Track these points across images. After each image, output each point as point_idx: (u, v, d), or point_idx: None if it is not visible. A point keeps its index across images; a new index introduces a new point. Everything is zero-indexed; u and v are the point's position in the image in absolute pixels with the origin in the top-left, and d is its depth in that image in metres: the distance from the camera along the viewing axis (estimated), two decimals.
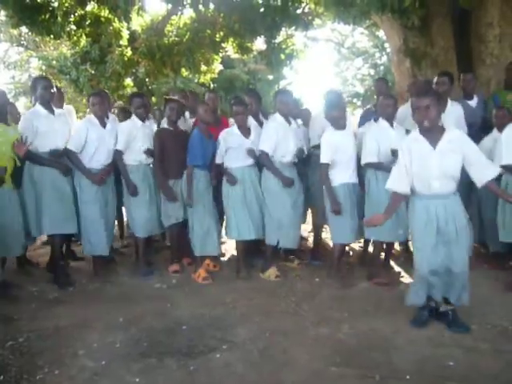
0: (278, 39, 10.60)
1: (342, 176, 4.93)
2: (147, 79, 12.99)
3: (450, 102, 5.35)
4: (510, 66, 5.91)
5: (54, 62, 13.99)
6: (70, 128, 5.30)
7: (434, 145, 3.62)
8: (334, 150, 4.87)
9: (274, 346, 3.62)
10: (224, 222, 5.67)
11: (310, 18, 9.97)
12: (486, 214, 5.31)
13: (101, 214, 5.21)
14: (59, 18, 8.20)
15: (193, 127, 5.59)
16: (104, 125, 5.30)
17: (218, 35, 10.35)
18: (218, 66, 11.83)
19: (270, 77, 20.24)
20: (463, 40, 7.39)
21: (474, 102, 5.81)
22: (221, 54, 11.45)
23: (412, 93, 5.87)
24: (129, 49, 10.39)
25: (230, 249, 6.27)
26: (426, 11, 6.93)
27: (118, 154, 5.28)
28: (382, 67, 22.47)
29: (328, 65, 56.63)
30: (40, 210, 4.96)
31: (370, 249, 5.61)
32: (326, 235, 6.45)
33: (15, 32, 18.48)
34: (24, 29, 12.74)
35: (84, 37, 9.76)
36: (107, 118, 5.51)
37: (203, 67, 11.18)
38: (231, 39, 10.48)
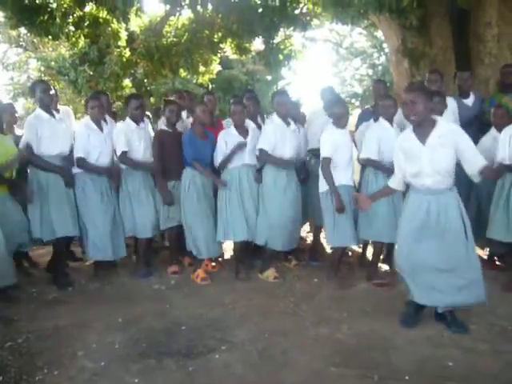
0: (277, 40, 10.58)
1: (341, 177, 4.91)
2: (146, 80, 12.96)
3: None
4: (504, 68, 5.89)
5: (53, 63, 13.97)
6: (72, 131, 5.31)
7: (424, 140, 3.63)
8: (335, 148, 4.86)
9: (274, 347, 3.62)
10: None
11: (308, 18, 9.96)
12: (486, 214, 5.31)
13: (104, 219, 5.19)
14: (58, 19, 8.19)
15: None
16: (101, 128, 5.31)
17: (216, 36, 10.35)
18: (216, 67, 11.82)
19: (269, 77, 20.24)
20: (462, 40, 7.40)
21: (469, 101, 5.81)
22: (219, 55, 11.44)
23: None
24: (127, 50, 10.37)
25: (228, 249, 6.27)
26: (424, 11, 6.95)
27: (123, 156, 5.26)
28: (380, 67, 22.47)
29: (326, 65, 56.70)
30: (48, 213, 4.95)
31: (370, 249, 5.61)
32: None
33: (14, 33, 18.47)
34: (23, 30, 12.77)
35: (82, 38, 9.75)
36: (105, 120, 5.51)
37: (201, 68, 11.17)
38: (229, 40, 10.48)
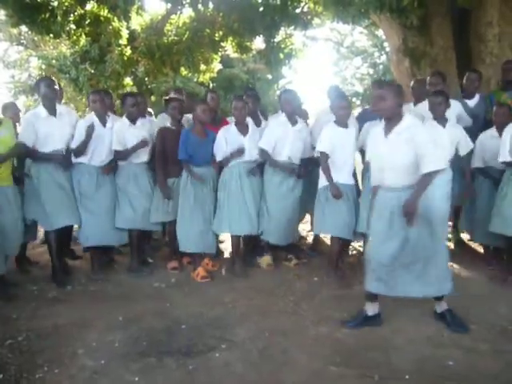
0: (277, 38, 10.58)
1: (337, 176, 4.91)
2: (147, 78, 12.96)
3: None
4: (506, 65, 5.88)
5: (54, 61, 13.98)
6: (73, 128, 5.31)
7: (387, 135, 3.66)
8: (332, 145, 4.88)
9: (274, 346, 3.62)
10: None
11: (309, 17, 9.96)
12: (480, 209, 5.31)
13: (99, 207, 5.28)
14: (59, 18, 8.19)
15: None
16: (104, 123, 5.32)
17: (217, 34, 10.35)
18: (217, 66, 11.81)
19: (269, 76, 20.23)
20: (463, 39, 7.39)
21: (473, 102, 5.77)
22: (220, 54, 11.44)
23: (414, 92, 5.91)
24: (128, 48, 10.37)
25: (229, 248, 6.26)
26: (425, 10, 6.94)
27: (116, 154, 5.33)
28: (381, 67, 22.47)
29: (327, 64, 56.65)
30: (44, 204, 5.00)
31: None
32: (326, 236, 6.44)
33: (15, 31, 18.45)
34: (24, 28, 12.77)
35: (83, 36, 9.76)
36: (108, 116, 5.52)
37: (202, 66, 11.17)
38: (230, 38, 10.48)
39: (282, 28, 10.18)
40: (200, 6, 9.46)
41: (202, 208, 5.31)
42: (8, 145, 4.62)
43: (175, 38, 10.50)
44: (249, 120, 5.50)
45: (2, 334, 3.81)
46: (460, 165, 5.16)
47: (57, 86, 5.17)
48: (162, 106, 6.49)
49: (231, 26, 9.74)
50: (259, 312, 4.27)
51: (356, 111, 12.69)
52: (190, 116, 5.70)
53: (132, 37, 10.39)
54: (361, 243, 5.97)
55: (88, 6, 8.94)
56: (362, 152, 5.26)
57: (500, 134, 4.99)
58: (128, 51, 10.42)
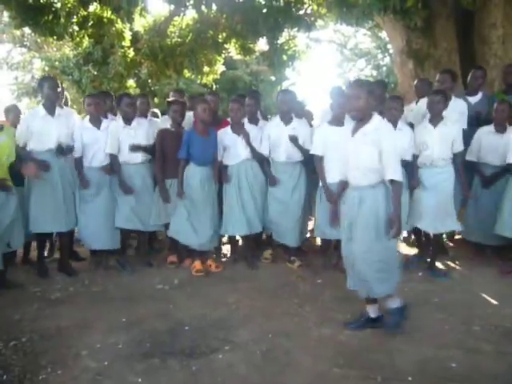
0: (281, 40, 10.60)
1: (332, 175, 4.88)
2: (150, 80, 12.99)
3: (453, 99, 5.39)
4: (507, 69, 5.88)
5: (57, 63, 14.02)
6: (70, 129, 5.33)
7: (354, 134, 3.68)
8: (325, 145, 4.94)
9: (277, 348, 3.62)
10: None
11: (312, 19, 9.95)
12: (482, 209, 5.31)
13: (98, 212, 5.36)
14: (62, 19, 8.21)
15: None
16: (99, 126, 5.37)
17: (220, 36, 10.36)
18: (220, 67, 11.85)
19: (273, 78, 20.21)
20: (466, 41, 7.39)
21: (475, 99, 5.77)
22: (223, 55, 11.47)
23: (417, 91, 5.92)
24: (131, 50, 10.38)
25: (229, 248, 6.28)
26: (429, 12, 6.95)
27: (110, 157, 5.42)
28: (384, 68, 22.43)
29: (330, 66, 56.70)
30: (30, 206, 5.10)
31: None
32: None
33: (18, 33, 18.52)
34: (27, 30, 12.81)
35: (86, 38, 9.79)
36: (106, 118, 5.55)
37: (206, 68, 11.19)
38: (234, 40, 10.51)
39: (286, 30, 10.19)
40: (203, 7, 9.46)
41: (200, 206, 5.35)
42: (6, 151, 4.64)
43: (178, 39, 10.52)
44: (244, 120, 5.62)
45: (6, 336, 3.81)
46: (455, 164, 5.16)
47: (59, 88, 5.20)
48: (165, 107, 6.52)
49: (234, 28, 9.75)
50: (262, 313, 4.27)
51: None
52: (190, 114, 5.73)
53: (135, 38, 10.40)
54: None
55: (91, 8, 8.95)
56: None
57: (498, 131, 5.04)
58: (131, 53, 10.43)
